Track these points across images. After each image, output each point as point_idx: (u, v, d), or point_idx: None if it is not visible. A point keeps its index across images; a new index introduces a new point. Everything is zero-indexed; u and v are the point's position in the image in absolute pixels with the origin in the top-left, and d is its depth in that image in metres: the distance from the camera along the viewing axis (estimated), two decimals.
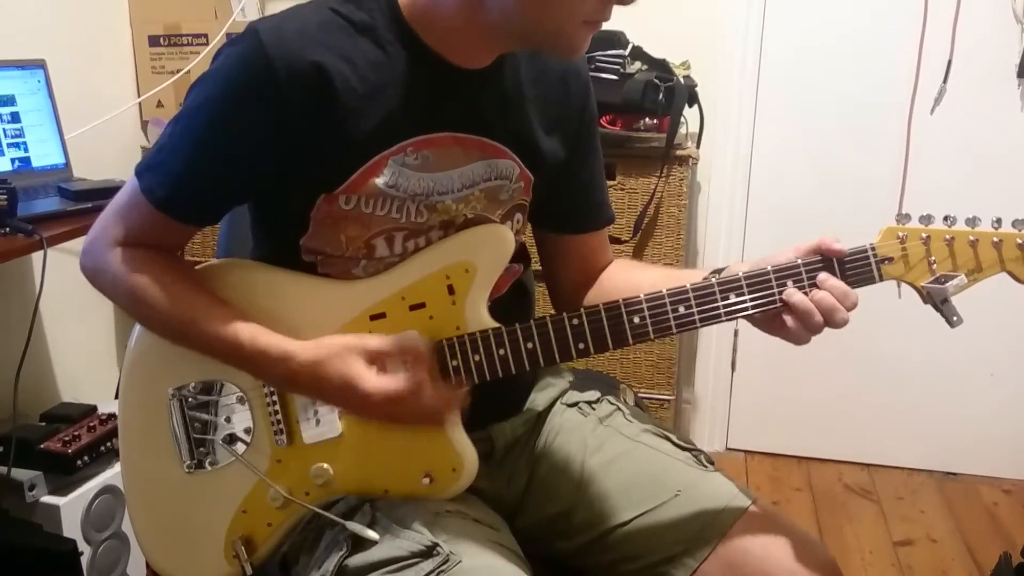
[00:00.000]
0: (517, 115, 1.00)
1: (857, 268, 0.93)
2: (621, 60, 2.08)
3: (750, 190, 2.46)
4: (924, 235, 0.92)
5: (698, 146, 2.20)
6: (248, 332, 0.93)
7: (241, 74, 0.89)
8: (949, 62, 2.25)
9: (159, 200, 0.94)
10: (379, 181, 0.93)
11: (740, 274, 0.94)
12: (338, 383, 0.90)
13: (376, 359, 0.91)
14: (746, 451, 2.64)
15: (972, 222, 0.92)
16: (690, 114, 2.15)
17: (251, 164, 0.92)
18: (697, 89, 2.16)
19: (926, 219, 0.92)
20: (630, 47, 2.13)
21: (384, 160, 0.93)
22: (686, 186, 2.12)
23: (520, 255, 1.08)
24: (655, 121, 2.11)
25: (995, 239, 0.91)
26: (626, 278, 1.12)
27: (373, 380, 0.90)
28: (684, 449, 1.08)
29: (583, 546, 1.05)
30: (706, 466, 1.06)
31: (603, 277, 1.15)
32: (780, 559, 0.97)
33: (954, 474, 2.50)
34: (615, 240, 2.12)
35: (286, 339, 0.93)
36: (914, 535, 2.22)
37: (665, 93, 2.07)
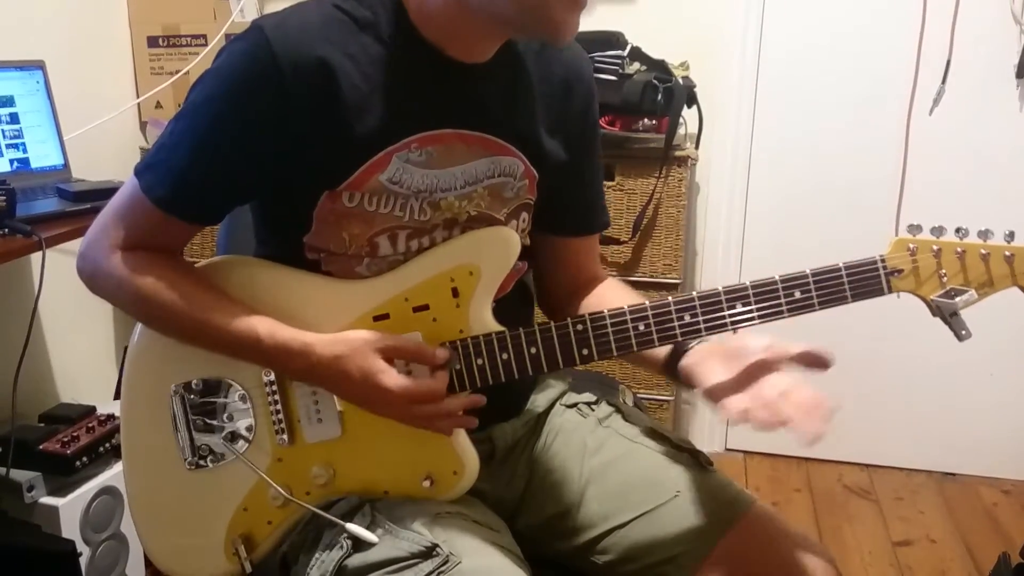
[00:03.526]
0: (521, 111, 1.00)
1: (866, 280, 0.91)
2: (620, 61, 2.08)
3: (749, 191, 2.45)
4: (935, 247, 0.90)
5: (697, 147, 2.21)
6: (266, 326, 0.93)
7: (246, 70, 0.89)
8: (948, 62, 2.26)
9: (160, 199, 0.94)
10: (382, 177, 0.93)
11: (748, 283, 0.93)
12: (359, 379, 0.91)
13: (394, 357, 0.91)
14: (745, 452, 2.63)
15: (984, 235, 0.89)
16: (689, 115, 2.15)
17: (254, 161, 0.92)
18: (696, 90, 2.16)
19: (937, 231, 0.90)
20: (629, 48, 2.13)
21: (388, 156, 0.93)
22: (685, 187, 2.13)
23: (525, 252, 1.08)
24: (654, 122, 2.11)
25: (1007, 253, 0.89)
26: (613, 299, 1.06)
27: (395, 378, 0.90)
28: (683, 450, 1.08)
29: (583, 547, 1.05)
30: (705, 467, 1.06)
31: (595, 293, 1.13)
32: (779, 560, 0.97)
33: (953, 474, 2.50)
34: (615, 240, 2.12)
35: (305, 332, 0.93)
36: (913, 535, 2.22)
37: (664, 94, 2.07)
